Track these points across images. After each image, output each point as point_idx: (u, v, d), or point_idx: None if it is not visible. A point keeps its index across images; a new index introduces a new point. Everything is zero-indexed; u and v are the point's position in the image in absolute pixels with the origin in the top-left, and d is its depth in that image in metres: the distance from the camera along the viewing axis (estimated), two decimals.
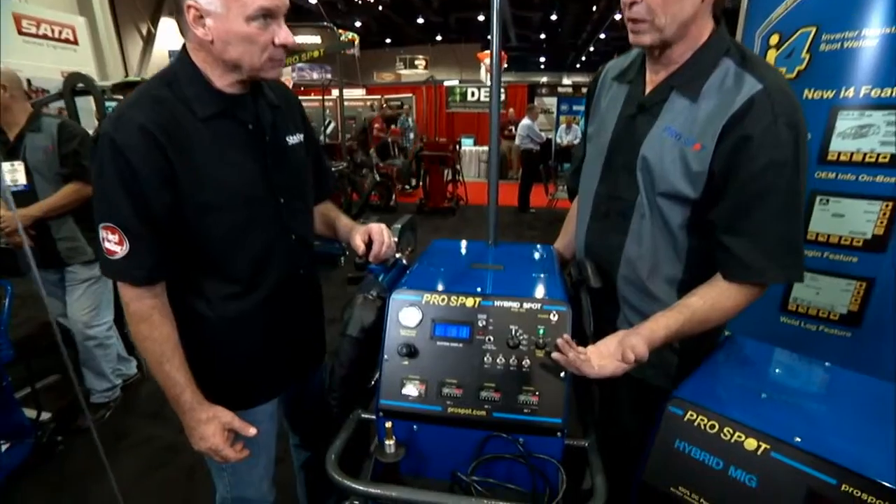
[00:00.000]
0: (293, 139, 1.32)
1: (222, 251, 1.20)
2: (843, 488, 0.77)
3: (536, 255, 1.48)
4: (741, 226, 1.04)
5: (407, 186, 10.06)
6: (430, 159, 8.48)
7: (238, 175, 1.18)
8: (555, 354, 1.02)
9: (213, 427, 1.21)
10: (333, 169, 5.78)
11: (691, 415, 0.94)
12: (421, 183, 9.02)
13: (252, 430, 1.25)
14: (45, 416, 2.60)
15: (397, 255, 1.42)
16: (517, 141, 9.09)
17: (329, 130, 9.28)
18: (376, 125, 10.30)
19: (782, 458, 0.83)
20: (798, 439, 0.83)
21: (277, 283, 1.30)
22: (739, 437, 0.88)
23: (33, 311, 3.23)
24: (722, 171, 1.04)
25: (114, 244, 1.09)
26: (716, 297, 1.07)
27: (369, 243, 1.30)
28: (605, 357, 1.00)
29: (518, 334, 1.08)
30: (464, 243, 1.59)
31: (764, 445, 0.85)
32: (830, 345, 1.97)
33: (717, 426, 0.91)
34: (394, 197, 8.88)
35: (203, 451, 1.23)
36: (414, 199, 9.20)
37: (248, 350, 1.32)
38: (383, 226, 1.34)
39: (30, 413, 2.49)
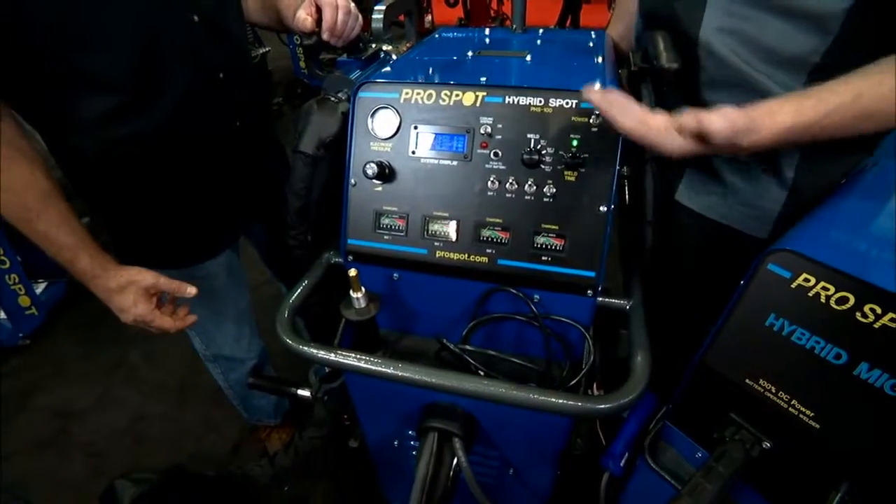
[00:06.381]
0: None
1: (76, 45, 0.79)
2: None
3: (580, 39, 1.02)
4: None
5: None
6: None
7: None
8: (585, 90, 0.66)
9: (130, 296, 0.93)
10: None
11: (806, 279, 0.58)
12: None
13: (191, 290, 0.99)
14: None
15: (385, 48, 1.04)
16: None
17: None
18: None
19: None
20: None
21: (183, 93, 0.91)
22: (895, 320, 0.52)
23: None
24: None
25: None
26: None
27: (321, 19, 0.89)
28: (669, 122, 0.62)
29: (539, 147, 0.75)
30: (480, 30, 1.13)
31: None
32: None
33: (851, 301, 0.55)
34: (430, 17, 7.84)
35: (130, 324, 0.96)
36: (453, 20, 8.17)
37: (158, 191, 1.00)
38: None
39: None
